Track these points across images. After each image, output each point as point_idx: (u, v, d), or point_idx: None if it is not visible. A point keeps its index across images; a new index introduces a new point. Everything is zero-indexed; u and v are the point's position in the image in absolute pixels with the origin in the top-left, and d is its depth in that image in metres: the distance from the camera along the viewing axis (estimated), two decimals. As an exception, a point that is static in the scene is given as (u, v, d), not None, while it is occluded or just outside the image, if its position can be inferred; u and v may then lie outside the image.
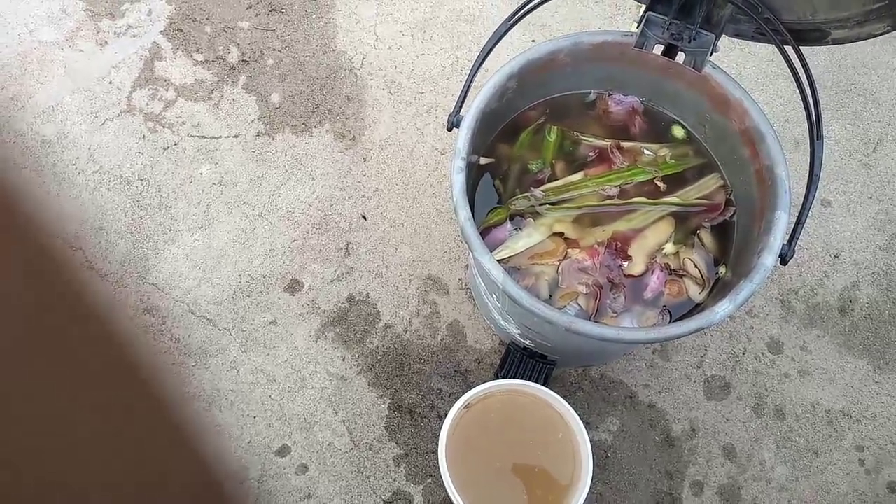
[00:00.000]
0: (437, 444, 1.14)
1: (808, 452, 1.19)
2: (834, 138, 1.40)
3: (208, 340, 1.22)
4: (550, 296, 0.96)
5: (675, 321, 0.94)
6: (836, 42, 0.88)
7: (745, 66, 1.44)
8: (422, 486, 1.15)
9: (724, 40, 0.94)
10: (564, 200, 1.00)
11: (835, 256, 1.31)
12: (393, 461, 1.16)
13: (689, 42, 0.93)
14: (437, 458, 1.13)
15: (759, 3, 0.87)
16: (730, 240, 0.99)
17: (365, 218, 1.31)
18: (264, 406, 1.19)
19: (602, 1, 1.48)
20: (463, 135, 0.91)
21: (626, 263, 0.97)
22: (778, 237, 0.85)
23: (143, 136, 1.35)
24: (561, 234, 0.98)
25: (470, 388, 1.16)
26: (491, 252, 0.87)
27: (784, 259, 0.85)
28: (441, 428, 1.01)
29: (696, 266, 0.97)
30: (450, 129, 0.93)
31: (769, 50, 1.41)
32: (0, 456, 0.21)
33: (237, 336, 1.23)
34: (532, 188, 1.01)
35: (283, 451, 1.17)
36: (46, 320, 0.22)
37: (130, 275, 1.26)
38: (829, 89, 1.43)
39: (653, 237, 0.99)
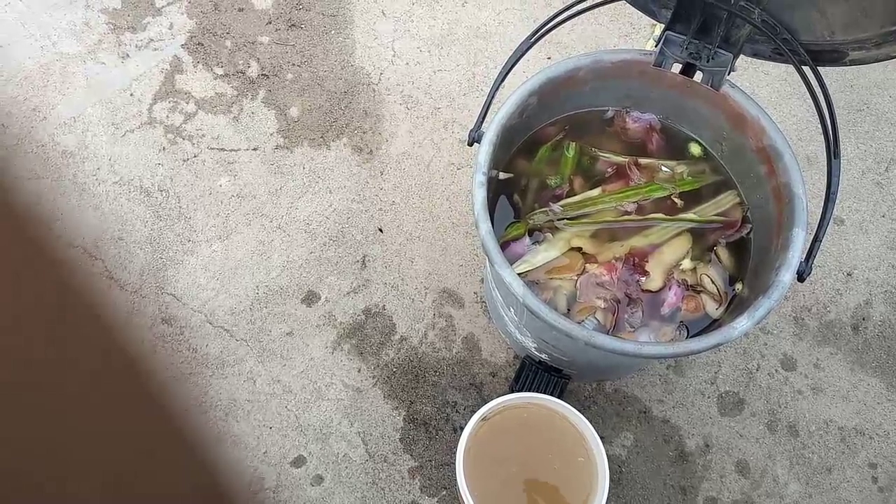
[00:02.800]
0: (451, 457, 1.15)
1: (821, 469, 1.20)
2: (847, 157, 1.41)
3: (225, 351, 1.24)
4: (568, 310, 0.97)
5: (692, 336, 0.94)
6: (853, 63, 0.90)
7: (759, 85, 1.46)
8: (436, 499, 1.16)
9: (739, 60, 0.96)
10: (582, 216, 1.01)
11: (848, 274, 1.32)
12: (408, 473, 1.17)
13: (707, 61, 0.95)
14: (451, 471, 1.14)
15: (778, 24, 0.89)
16: (746, 256, 1.00)
17: (381, 231, 1.32)
18: (280, 417, 1.20)
19: (617, 19, 1.49)
20: (484, 150, 0.92)
21: (643, 279, 0.98)
22: (795, 254, 0.86)
23: (164, 148, 1.37)
24: (579, 249, 0.99)
25: (485, 401, 1.17)
26: (510, 266, 0.88)
27: (801, 276, 0.86)
28: (458, 440, 1.02)
29: (713, 282, 0.97)
30: (471, 145, 0.95)
31: (783, 69, 1.42)
32: (18, 458, 0.22)
33: (254, 347, 1.24)
34: (550, 203, 1.02)
35: (298, 462, 1.17)
36: (65, 328, 0.22)
37: (149, 285, 1.27)
38: (842, 109, 1.44)
39: (670, 253, 1.00)
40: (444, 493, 1.16)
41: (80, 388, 0.23)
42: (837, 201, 1.35)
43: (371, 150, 1.38)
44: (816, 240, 0.86)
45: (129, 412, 0.26)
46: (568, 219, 1.01)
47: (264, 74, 1.44)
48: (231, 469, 0.31)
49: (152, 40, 1.46)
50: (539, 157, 1.05)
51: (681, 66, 0.98)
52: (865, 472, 1.20)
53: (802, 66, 0.89)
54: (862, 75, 1.48)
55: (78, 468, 0.24)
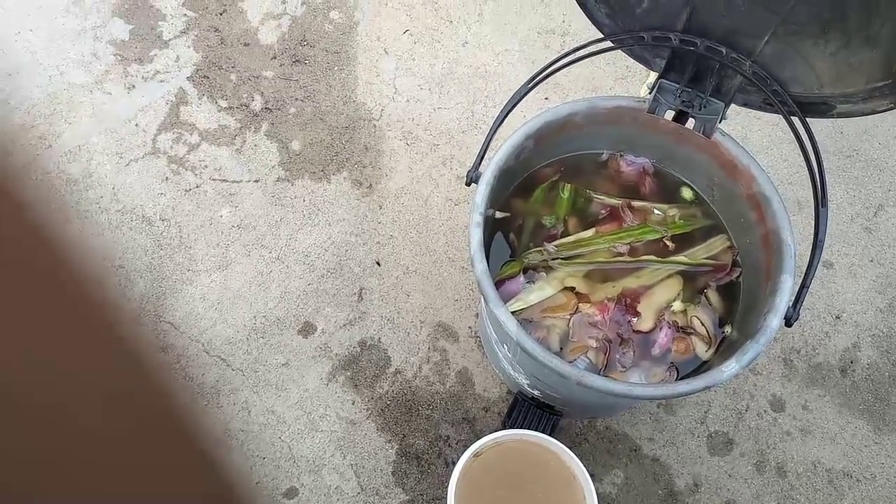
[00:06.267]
0: (443, 491, 1.16)
1: (809, 511, 1.21)
2: (836, 202, 1.44)
3: (221, 380, 1.25)
4: (561, 349, 0.99)
5: (682, 378, 0.96)
6: (840, 115, 0.92)
7: (750, 130, 1.49)
8: (427, 533, 1.16)
9: (732, 106, 0.99)
10: (576, 256, 1.04)
11: (836, 317, 1.34)
12: (399, 506, 1.18)
13: (700, 109, 0.97)
14: (443, 505, 1.15)
15: (768, 76, 0.92)
16: (736, 300, 1.02)
17: (379, 264, 1.34)
18: (274, 447, 1.21)
19: (613, 62, 1.53)
20: (481, 190, 0.94)
21: (635, 319, 1.00)
22: (783, 300, 0.88)
23: (166, 178, 1.39)
24: (572, 289, 1.01)
25: (477, 436, 1.18)
26: (505, 304, 0.90)
27: (789, 321, 0.88)
28: (450, 474, 1.03)
29: (703, 324, 0.99)
30: (468, 185, 0.97)
31: (774, 115, 1.45)
32: (21, 471, 0.23)
33: (250, 377, 1.25)
34: (545, 243, 1.04)
35: (290, 494, 1.18)
36: (70, 352, 0.23)
37: (147, 313, 1.29)
38: (831, 155, 1.48)
39: (661, 294, 1.02)
40: (435, 527, 1.17)
41: (77, 406, 0.24)
42: (827, 245, 1.38)
43: (371, 185, 1.41)
44: (804, 286, 0.88)
45: (131, 436, 0.27)
46: (562, 258, 1.03)
47: (268, 108, 1.47)
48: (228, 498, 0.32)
49: (158, 72, 1.49)
50: (535, 197, 1.07)
51: (674, 113, 1.00)
52: (852, 514, 1.21)
53: (791, 117, 0.92)
54: (852, 122, 1.51)
55: (80, 480, 0.25)
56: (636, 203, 1.07)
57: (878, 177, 1.47)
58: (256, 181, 1.40)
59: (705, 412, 1.26)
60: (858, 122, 1.52)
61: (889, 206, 1.44)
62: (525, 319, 1.00)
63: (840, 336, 1.33)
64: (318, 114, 1.47)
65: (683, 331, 0.99)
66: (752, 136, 1.48)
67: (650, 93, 0.99)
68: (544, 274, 1.02)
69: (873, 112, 0.88)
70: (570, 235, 1.05)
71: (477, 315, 1.31)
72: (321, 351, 1.28)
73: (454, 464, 1.03)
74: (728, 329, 1.00)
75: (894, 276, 1.38)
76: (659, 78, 0.98)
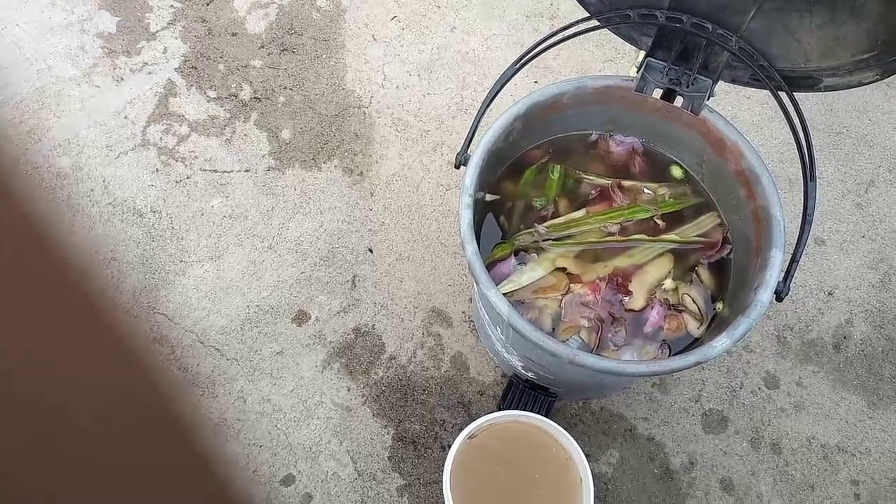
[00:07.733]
0: (439, 475, 1.17)
1: (804, 486, 1.21)
2: (827, 179, 1.44)
3: (216, 370, 1.25)
4: (553, 329, 0.99)
5: (674, 355, 0.96)
6: (828, 89, 0.92)
7: (740, 109, 1.49)
8: (425, 517, 1.17)
9: (721, 84, 0.99)
10: (567, 236, 1.04)
11: (829, 294, 1.34)
12: (396, 491, 1.18)
13: (687, 87, 0.97)
14: (439, 489, 1.15)
15: (755, 52, 0.92)
16: (727, 276, 1.02)
17: (371, 251, 1.34)
18: (270, 435, 1.21)
19: (603, 45, 1.53)
20: (470, 172, 0.94)
21: (626, 298, 1.00)
22: (773, 274, 0.89)
23: (157, 170, 1.39)
24: (563, 269, 1.01)
25: (473, 419, 1.18)
26: (496, 286, 0.90)
27: (779, 296, 0.88)
28: (445, 458, 1.03)
29: (694, 302, 1.00)
30: (457, 167, 0.97)
31: (764, 93, 1.45)
32: (17, 466, 0.23)
33: (244, 366, 1.25)
34: (536, 224, 1.04)
35: (287, 481, 1.18)
36: (62, 347, 0.23)
37: (141, 305, 1.29)
38: (821, 132, 1.48)
39: (652, 273, 1.02)
40: (433, 510, 1.17)
41: (74, 402, 0.24)
42: (818, 222, 1.38)
43: (361, 172, 1.41)
44: (794, 260, 0.89)
45: (127, 432, 0.27)
46: (553, 239, 1.03)
47: (257, 97, 1.46)
48: (225, 487, 0.32)
49: (146, 64, 1.49)
50: (525, 179, 1.07)
51: (662, 91, 1.00)
52: (847, 489, 1.22)
53: (779, 92, 0.92)
54: (841, 99, 1.52)
55: (76, 478, 0.25)
56: (626, 182, 1.07)
57: (868, 153, 1.47)
58: (247, 171, 1.40)
59: (699, 391, 1.26)
60: (848, 98, 1.52)
61: (880, 182, 1.44)
62: (517, 301, 1.00)
63: (833, 312, 1.33)
64: (308, 102, 1.46)
65: (675, 308, 1.00)
66: (742, 115, 1.48)
67: (637, 71, 0.99)
68: (535, 255, 1.02)
69: (860, 84, 0.88)
70: (560, 216, 1.05)
71: (470, 300, 1.31)
72: (315, 339, 1.28)
73: (450, 447, 1.03)
74: (719, 306, 1.00)
75: (886, 252, 1.38)
76: (646, 56, 0.98)
